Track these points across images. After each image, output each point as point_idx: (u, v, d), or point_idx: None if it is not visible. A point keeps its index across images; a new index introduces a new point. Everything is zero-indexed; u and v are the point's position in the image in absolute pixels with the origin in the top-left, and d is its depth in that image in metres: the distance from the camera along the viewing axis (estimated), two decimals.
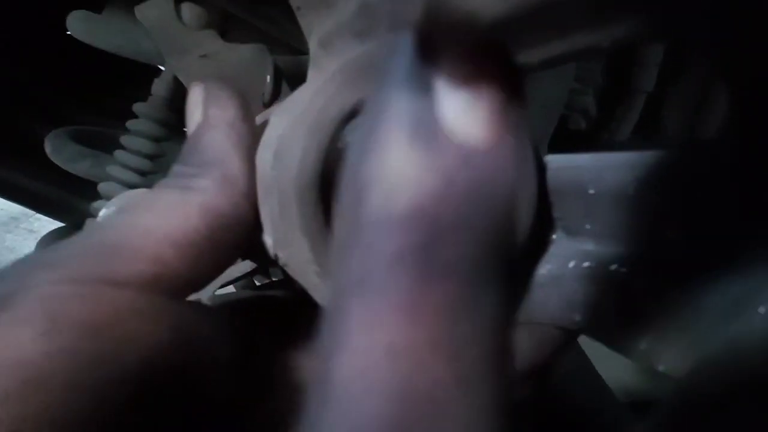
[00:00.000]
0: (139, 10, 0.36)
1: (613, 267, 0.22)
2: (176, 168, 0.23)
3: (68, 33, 1.21)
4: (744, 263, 0.18)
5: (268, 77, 0.34)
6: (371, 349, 0.11)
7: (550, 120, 0.40)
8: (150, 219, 0.20)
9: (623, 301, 0.21)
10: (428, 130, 0.11)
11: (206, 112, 0.23)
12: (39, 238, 2.45)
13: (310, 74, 0.25)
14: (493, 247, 0.11)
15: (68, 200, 0.99)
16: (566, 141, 0.51)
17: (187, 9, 0.36)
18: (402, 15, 0.21)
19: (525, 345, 0.24)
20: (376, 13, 0.22)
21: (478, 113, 0.11)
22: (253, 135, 0.24)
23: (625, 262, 0.21)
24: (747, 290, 0.18)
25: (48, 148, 0.47)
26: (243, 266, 0.34)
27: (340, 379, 0.10)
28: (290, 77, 0.36)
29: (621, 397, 0.78)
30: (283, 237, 0.21)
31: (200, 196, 0.21)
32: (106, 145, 0.47)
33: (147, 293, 0.19)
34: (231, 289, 0.39)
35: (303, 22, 0.26)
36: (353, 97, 0.21)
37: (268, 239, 0.23)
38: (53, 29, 1.19)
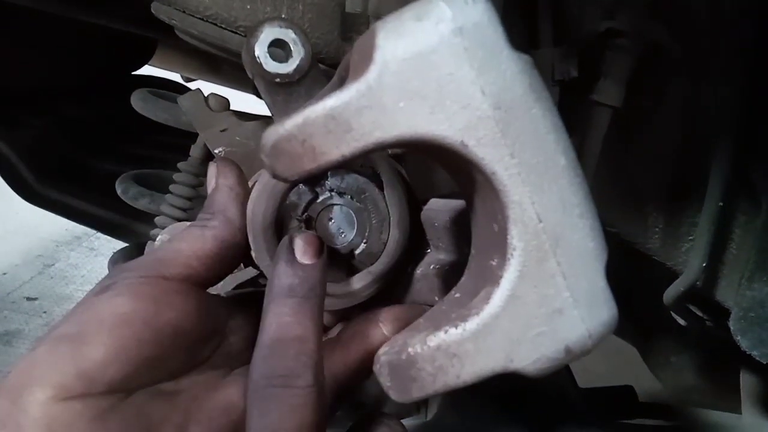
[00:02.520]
0: (180, 100, 0.53)
1: (445, 267, 0.37)
2: (200, 214, 0.39)
3: (129, 82, 1.41)
4: None
5: None
6: (274, 323, 0.29)
7: None
8: (183, 244, 0.37)
9: (447, 288, 0.36)
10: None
11: (217, 181, 0.40)
12: (98, 255, 2.66)
13: None
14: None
15: (125, 223, 1.16)
16: None
17: (212, 98, 0.53)
18: None
19: (410, 316, 0.40)
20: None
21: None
22: (246, 192, 0.41)
23: (448, 265, 0.37)
24: None
25: (119, 189, 0.65)
26: (250, 272, 0.51)
27: (264, 331, 0.29)
28: None
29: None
30: (257, 254, 0.38)
31: (212, 231, 0.38)
32: (159, 185, 0.65)
33: (182, 284, 0.35)
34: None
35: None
36: None
37: (253, 254, 0.39)
38: (118, 80, 1.39)
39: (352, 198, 0.39)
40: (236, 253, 0.39)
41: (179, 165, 0.57)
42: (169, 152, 1.18)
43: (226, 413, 0.33)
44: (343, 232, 0.39)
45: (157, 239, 0.46)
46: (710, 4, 0.55)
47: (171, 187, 0.57)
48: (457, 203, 0.36)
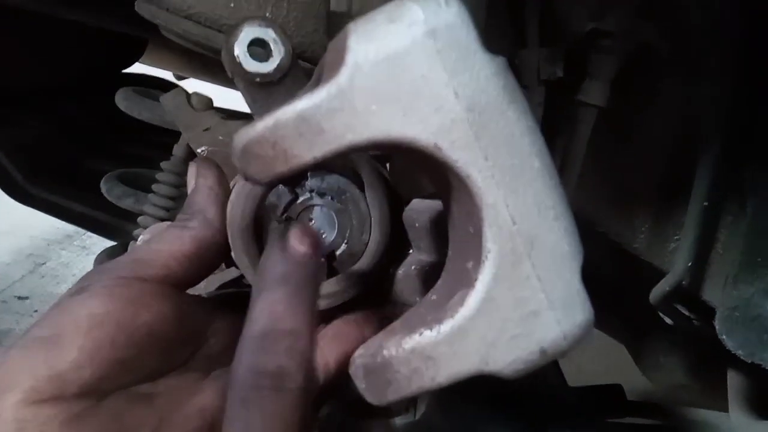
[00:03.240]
0: (162, 99, 0.53)
1: (426, 268, 0.37)
2: (179, 215, 0.39)
3: (119, 80, 1.40)
4: None
5: None
6: (266, 312, 0.27)
7: None
8: (162, 244, 0.36)
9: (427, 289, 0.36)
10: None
11: (197, 181, 0.40)
12: (90, 254, 2.67)
13: None
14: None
15: (114, 222, 1.16)
16: None
17: (195, 97, 0.53)
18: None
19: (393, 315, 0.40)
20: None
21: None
22: (227, 193, 0.40)
23: (428, 265, 0.37)
24: None
25: (103, 189, 0.64)
26: (233, 272, 0.50)
27: (252, 321, 0.28)
28: None
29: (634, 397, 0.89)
30: (236, 254, 0.37)
31: (191, 231, 0.37)
32: (144, 184, 0.64)
33: (160, 285, 0.35)
34: None
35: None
36: None
37: (232, 255, 0.39)
38: (109, 79, 1.38)
39: (332, 198, 0.39)
40: (216, 254, 0.38)
41: (162, 164, 0.56)
42: (161, 151, 1.18)
43: (201, 416, 0.32)
44: (323, 233, 0.39)
45: (139, 239, 0.46)
46: (701, 4, 0.55)
47: (153, 187, 0.56)
48: (438, 204, 0.36)
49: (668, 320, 0.75)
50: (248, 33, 0.36)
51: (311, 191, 0.38)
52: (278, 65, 0.36)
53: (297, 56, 0.59)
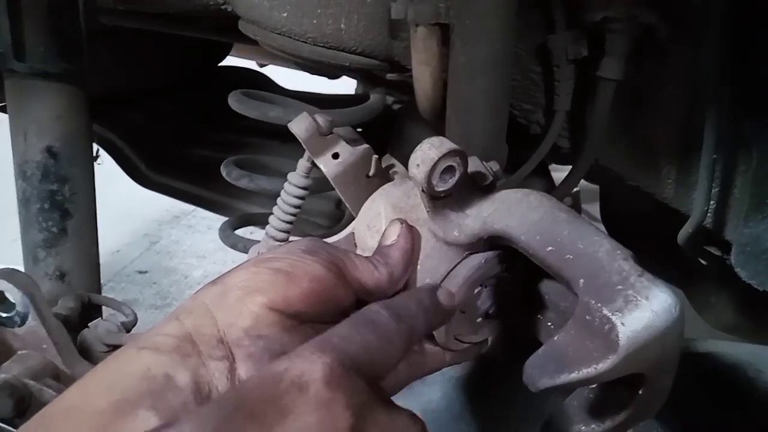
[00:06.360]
0: (291, 126, 0.60)
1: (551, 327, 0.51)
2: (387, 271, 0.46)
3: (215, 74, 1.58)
4: None
5: (372, 166, 0.63)
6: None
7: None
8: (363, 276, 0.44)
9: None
10: None
11: (402, 240, 0.46)
12: (195, 232, 2.94)
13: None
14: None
15: (221, 200, 1.35)
16: (526, 142, 0.77)
17: (321, 120, 0.59)
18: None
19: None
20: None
21: None
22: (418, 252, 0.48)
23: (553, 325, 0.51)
24: None
25: (223, 172, 0.81)
26: None
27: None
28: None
29: None
30: None
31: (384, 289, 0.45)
32: (255, 168, 0.81)
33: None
34: None
35: None
36: None
37: None
38: (207, 73, 1.57)
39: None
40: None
41: (288, 176, 0.67)
42: (251, 136, 1.35)
43: None
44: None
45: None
46: None
47: (282, 194, 0.67)
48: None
49: (702, 261, 0.84)
50: (442, 164, 0.44)
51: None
52: (456, 183, 0.45)
53: (366, 56, 0.73)
